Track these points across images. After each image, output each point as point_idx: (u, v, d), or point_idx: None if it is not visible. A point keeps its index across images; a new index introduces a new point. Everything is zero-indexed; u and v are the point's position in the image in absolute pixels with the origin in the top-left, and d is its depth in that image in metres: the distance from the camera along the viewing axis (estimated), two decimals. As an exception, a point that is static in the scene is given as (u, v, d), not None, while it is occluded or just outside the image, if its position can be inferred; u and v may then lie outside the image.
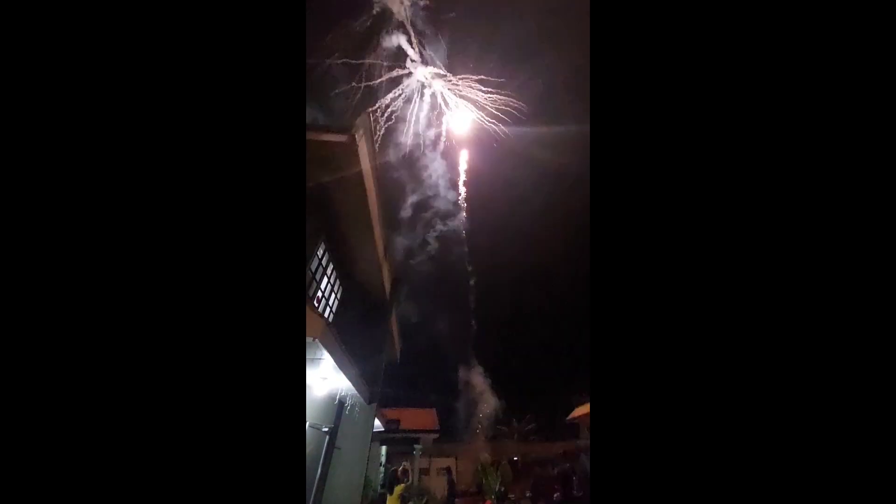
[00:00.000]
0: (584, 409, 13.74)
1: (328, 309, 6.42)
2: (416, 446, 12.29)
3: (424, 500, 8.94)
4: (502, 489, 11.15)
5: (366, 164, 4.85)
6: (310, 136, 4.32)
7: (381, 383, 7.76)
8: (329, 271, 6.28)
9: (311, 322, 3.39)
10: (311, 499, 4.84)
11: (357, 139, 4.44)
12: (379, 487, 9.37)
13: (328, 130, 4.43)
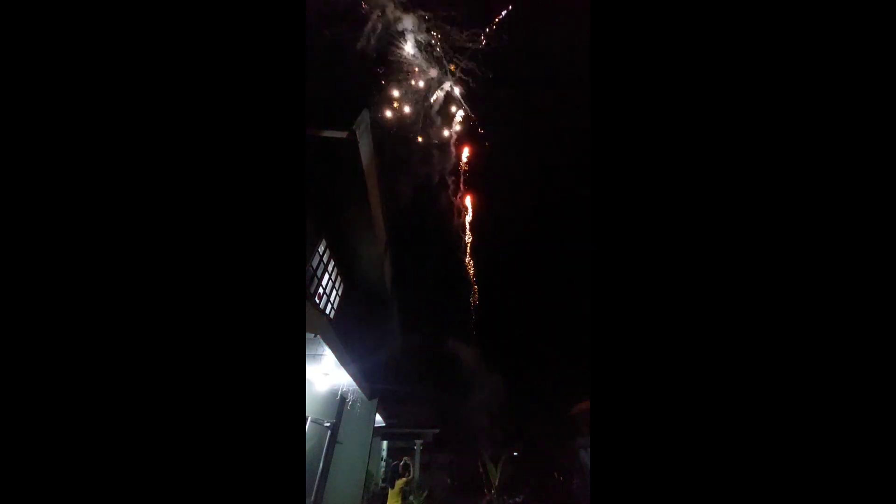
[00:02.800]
0: (584, 405, 13.81)
1: (329, 305, 6.44)
2: (416, 441, 12.39)
3: (425, 495, 9.04)
4: (503, 484, 11.26)
5: (367, 159, 4.83)
6: (311, 132, 4.30)
7: (382, 379, 7.80)
8: (330, 267, 6.29)
9: (312, 318, 3.40)
10: (314, 493, 4.89)
11: (358, 135, 4.42)
12: (380, 482, 9.46)
13: (329, 126, 4.41)
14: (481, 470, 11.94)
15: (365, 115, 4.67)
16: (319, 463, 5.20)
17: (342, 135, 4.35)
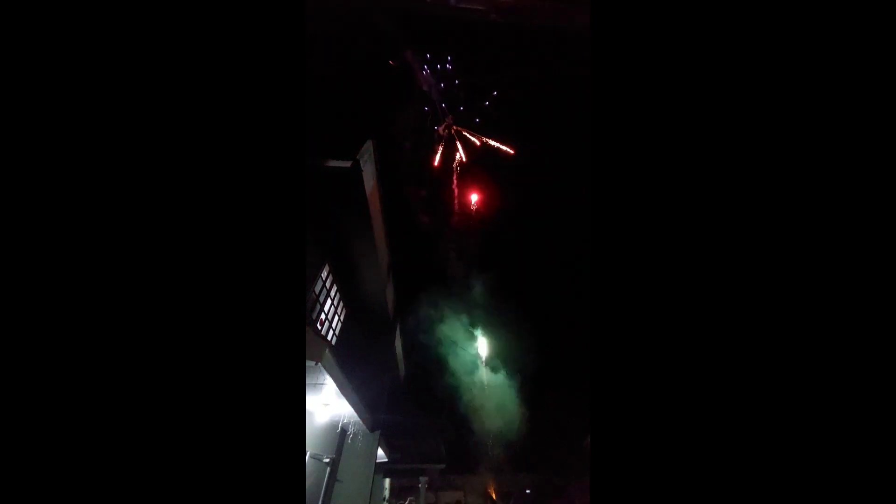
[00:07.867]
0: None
1: (331, 331, 6.34)
2: (421, 478, 11.63)
3: (431, 540, 8.31)
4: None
5: (370, 187, 4.97)
6: (317, 162, 4.47)
7: (385, 409, 7.49)
8: (333, 292, 6.27)
9: (314, 346, 3.34)
10: (311, 537, 4.54)
11: (361, 164, 4.58)
12: (382, 525, 8.77)
13: (333, 156, 4.59)
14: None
15: (369, 146, 4.86)
16: (318, 503, 4.87)
17: (346, 164, 4.52)
